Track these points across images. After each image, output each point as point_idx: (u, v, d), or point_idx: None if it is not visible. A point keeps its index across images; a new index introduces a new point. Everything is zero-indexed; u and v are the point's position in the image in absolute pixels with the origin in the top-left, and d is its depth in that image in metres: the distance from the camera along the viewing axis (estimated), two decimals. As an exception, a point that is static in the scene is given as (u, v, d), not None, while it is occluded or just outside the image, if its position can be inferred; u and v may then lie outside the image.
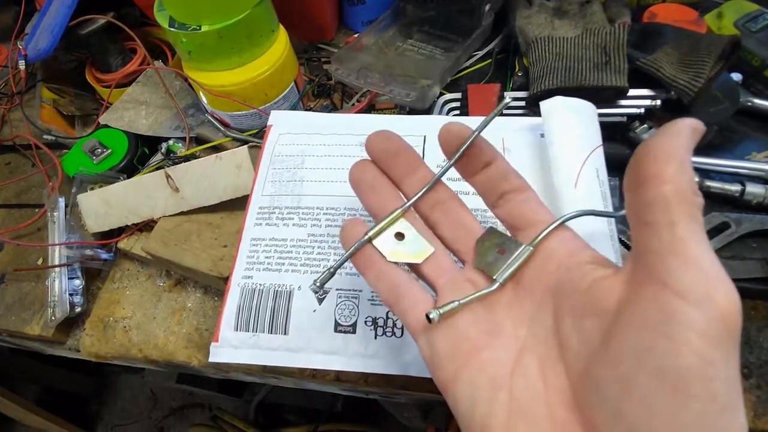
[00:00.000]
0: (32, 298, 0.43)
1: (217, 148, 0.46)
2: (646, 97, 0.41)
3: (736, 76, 0.44)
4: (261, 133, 0.46)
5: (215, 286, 0.40)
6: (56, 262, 0.41)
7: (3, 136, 0.54)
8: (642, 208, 0.16)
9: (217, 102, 0.44)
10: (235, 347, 0.32)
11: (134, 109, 0.49)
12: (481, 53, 0.52)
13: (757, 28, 0.46)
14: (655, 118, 0.41)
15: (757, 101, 0.43)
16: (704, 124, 0.17)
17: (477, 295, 0.21)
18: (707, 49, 0.39)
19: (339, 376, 0.35)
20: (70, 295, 0.41)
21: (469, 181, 0.24)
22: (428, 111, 0.46)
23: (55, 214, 0.43)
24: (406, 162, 0.24)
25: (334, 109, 0.50)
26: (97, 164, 0.46)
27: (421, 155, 0.37)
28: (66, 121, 0.53)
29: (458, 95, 0.47)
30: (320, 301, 0.32)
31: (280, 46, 0.44)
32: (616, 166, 0.35)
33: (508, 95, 0.45)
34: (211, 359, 0.32)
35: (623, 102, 0.41)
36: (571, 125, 0.35)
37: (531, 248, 0.21)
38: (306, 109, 0.50)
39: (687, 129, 0.16)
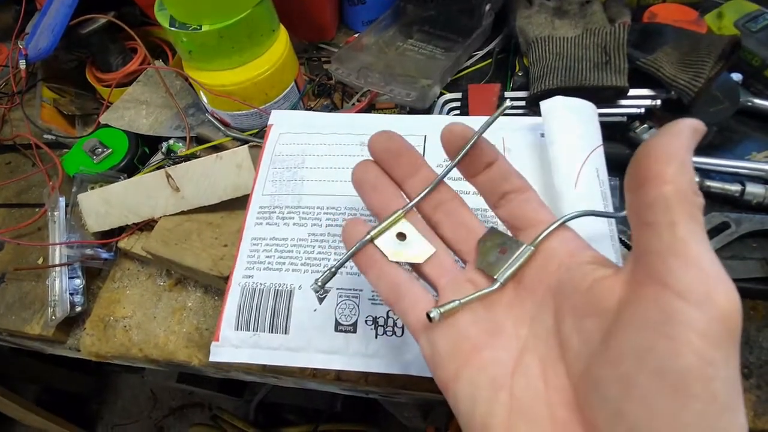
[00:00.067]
0: (32, 297, 0.43)
1: (218, 148, 0.46)
2: (646, 96, 0.41)
3: (736, 76, 0.44)
4: (261, 132, 0.46)
5: (215, 286, 0.40)
6: (56, 262, 0.41)
7: (3, 135, 0.54)
8: (643, 208, 0.16)
9: (218, 101, 0.45)
10: (235, 346, 0.32)
11: (135, 108, 0.49)
12: (481, 53, 0.52)
13: (757, 28, 0.46)
14: (655, 118, 0.41)
15: (757, 101, 0.43)
16: (705, 125, 0.17)
17: (478, 294, 0.21)
18: (707, 49, 0.39)
19: (339, 376, 0.35)
20: (71, 294, 0.41)
21: (470, 181, 0.24)
22: (428, 111, 0.46)
23: (55, 213, 0.43)
24: (408, 162, 0.24)
25: (334, 108, 0.50)
26: (97, 164, 0.46)
27: (422, 155, 0.37)
28: (66, 121, 0.53)
29: (458, 95, 0.47)
30: (321, 300, 0.32)
31: (280, 45, 0.44)
32: (616, 166, 0.35)
33: (509, 96, 0.45)
34: (212, 359, 0.32)
35: (623, 102, 0.41)
36: (572, 125, 0.35)
37: (532, 248, 0.21)
38: (306, 109, 0.50)
39: (688, 129, 0.16)
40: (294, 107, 0.48)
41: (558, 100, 0.36)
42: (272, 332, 0.32)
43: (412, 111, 0.47)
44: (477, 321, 0.20)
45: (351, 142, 0.39)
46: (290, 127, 0.40)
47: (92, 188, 0.43)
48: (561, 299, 0.19)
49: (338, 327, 0.31)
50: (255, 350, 0.32)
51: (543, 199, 0.23)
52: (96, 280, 0.44)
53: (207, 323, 0.39)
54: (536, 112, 0.37)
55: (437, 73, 0.47)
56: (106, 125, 0.48)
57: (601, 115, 0.37)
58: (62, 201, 0.44)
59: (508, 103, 0.24)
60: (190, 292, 0.41)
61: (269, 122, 0.41)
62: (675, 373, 0.14)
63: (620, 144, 0.41)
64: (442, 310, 0.20)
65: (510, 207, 0.23)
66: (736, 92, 0.42)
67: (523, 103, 0.44)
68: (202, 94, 0.45)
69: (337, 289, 0.32)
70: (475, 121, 0.26)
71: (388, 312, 0.32)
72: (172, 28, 0.40)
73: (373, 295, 0.32)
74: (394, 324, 0.31)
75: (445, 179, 0.24)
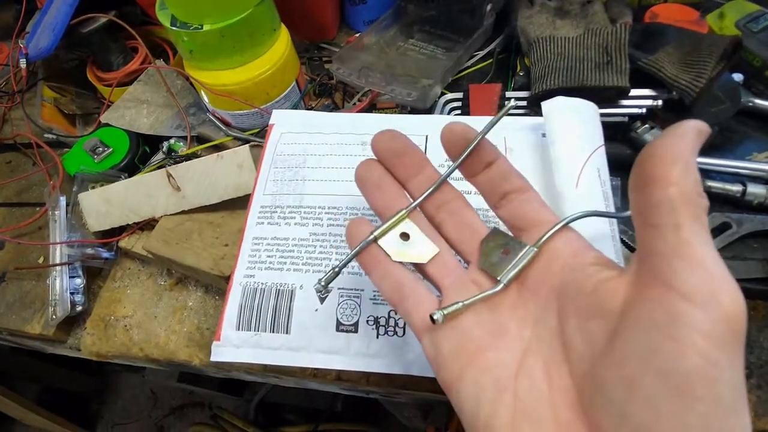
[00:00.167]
0: (33, 296, 0.43)
1: (219, 147, 0.45)
2: (647, 97, 0.41)
3: (738, 77, 0.44)
4: (262, 132, 0.46)
5: (216, 285, 0.40)
6: (57, 261, 0.41)
7: (4, 134, 0.54)
8: (647, 209, 0.16)
9: (219, 101, 0.44)
10: (236, 346, 0.32)
11: (135, 108, 0.49)
12: (482, 53, 0.52)
13: (759, 28, 0.46)
14: (656, 118, 0.41)
15: (759, 101, 0.43)
16: (709, 126, 0.17)
17: (481, 296, 0.21)
18: (709, 50, 0.39)
19: (340, 376, 0.35)
20: (71, 293, 0.41)
21: (470, 181, 0.24)
22: (429, 111, 0.46)
23: (56, 212, 0.43)
24: (411, 161, 0.24)
25: (335, 108, 0.50)
26: (98, 163, 0.46)
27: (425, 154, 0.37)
28: (67, 120, 0.53)
29: (459, 95, 0.47)
30: (322, 300, 0.32)
31: (281, 45, 0.44)
32: (617, 166, 0.35)
33: (511, 95, 0.45)
34: (213, 358, 0.32)
35: (625, 102, 0.41)
36: (573, 125, 0.35)
37: (535, 249, 0.21)
38: (307, 109, 0.50)
39: (692, 131, 0.16)
40: (295, 107, 0.48)
41: (559, 100, 0.36)
42: (273, 332, 0.32)
43: (413, 111, 0.47)
44: (481, 322, 0.20)
45: (352, 141, 0.38)
46: (291, 127, 0.40)
47: (93, 187, 0.43)
48: (565, 300, 0.19)
49: (339, 327, 0.31)
50: (256, 350, 0.32)
51: (544, 199, 0.23)
52: (97, 280, 0.44)
53: (208, 323, 0.39)
54: (538, 112, 0.37)
55: (438, 73, 0.47)
56: (107, 124, 0.48)
57: (602, 115, 0.37)
58: (63, 200, 0.44)
59: (513, 102, 0.24)
60: (191, 291, 0.41)
61: (270, 122, 0.41)
62: (680, 375, 0.14)
63: (621, 144, 0.41)
64: (445, 312, 0.20)
65: (511, 207, 0.23)
66: (737, 92, 0.42)
67: (524, 103, 0.44)
68: (203, 93, 0.45)
69: (339, 288, 0.32)
70: (476, 121, 0.26)
71: (389, 312, 0.32)
72: (174, 28, 0.40)
73: (374, 295, 0.32)
74: (396, 324, 0.31)
75: (448, 179, 0.24)
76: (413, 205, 0.24)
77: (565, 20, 0.48)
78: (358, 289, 0.32)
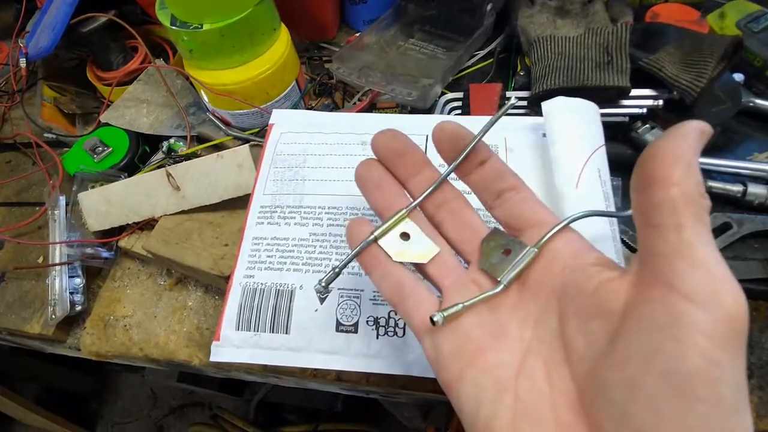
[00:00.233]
0: (33, 296, 0.43)
1: (219, 147, 0.45)
2: (648, 97, 0.41)
3: (738, 77, 0.44)
4: (262, 131, 0.46)
5: (216, 285, 0.40)
6: (57, 261, 0.41)
7: (4, 134, 0.54)
8: (649, 210, 0.16)
9: (219, 100, 0.44)
10: (236, 346, 0.32)
11: (135, 107, 0.49)
12: (482, 53, 0.52)
13: (760, 28, 0.46)
14: (657, 118, 0.41)
15: (759, 102, 0.43)
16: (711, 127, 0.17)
17: (481, 297, 0.21)
18: (709, 50, 0.39)
19: (340, 376, 0.35)
20: (71, 293, 0.41)
21: (464, 180, 0.24)
22: (430, 110, 0.46)
23: (55, 212, 0.43)
24: (412, 161, 0.24)
25: (335, 108, 0.50)
26: (97, 163, 0.46)
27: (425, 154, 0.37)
28: (67, 120, 0.53)
29: (460, 95, 0.46)
30: (322, 300, 0.32)
31: (281, 44, 0.44)
32: (618, 166, 0.35)
33: (511, 95, 0.45)
34: (213, 358, 0.32)
35: (625, 102, 0.41)
36: (573, 125, 0.35)
37: (536, 250, 0.21)
38: (307, 108, 0.50)
39: (694, 131, 0.16)
40: (295, 106, 0.48)
41: (559, 100, 0.36)
42: (273, 332, 0.32)
43: (414, 110, 0.47)
44: (481, 323, 0.20)
45: (352, 141, 0.38)
46: (291, 127, 0.40)
47: (93, 187, 0.43)
48: (565, 301, 0.19)
49: (339, 327, 0.31)
50: (256, 350, 0.32)
51: (544, 199, 0.23)
52: (96, 279, 0.44)
53: (207, 323, 0.39)
54: (538, 112, 0.37)
55: (438, 73, 0.47)
56: (107, 124, 0.48)
57: (603, 115, 0.37)
58: (62, 200, 0.44)
59: (513, 100, 0.24)
60: (191, 291, 0.41)
61: (270, 121, 0.41)
62: (681, 375, 0.14)
63: (622, 144, 0.41)
64: (445, 314, 0.20)
65: (507, 207, 0.23)
66: (738, 92, 0.42)
67: (525, 102, 0.44)
68: (203, 93, 0.45)
69: (339, 289, 0.32)
70: (476, 121, 0.26)
71: (389, 312, 0.31)
72: (173, 27, 0.40)
73: (374, 296, 0.32)
74: (396, 324, 0.31)
75: (448, 179, 0.24)
76: (413, 204, 0.24)
77: (565, 20, 0.48)
78: (358, 290, 0.32)
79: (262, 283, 0.33)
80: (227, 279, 0.35)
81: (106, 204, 0.42)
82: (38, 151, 0.50)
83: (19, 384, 1.01)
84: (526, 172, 0.35)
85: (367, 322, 0.31)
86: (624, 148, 0.40)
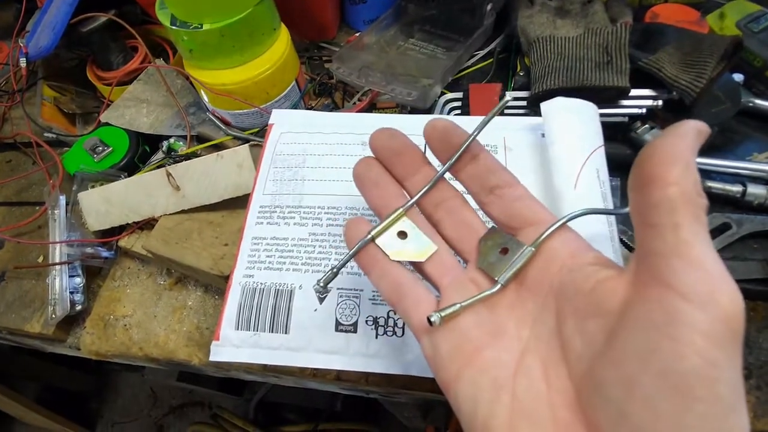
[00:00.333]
0: (33, 296, 0.43)
1: (218, 147, 0.45)
2: (647, 97, 0.41)
3: (738, 77, 0.44)
4: (262, 131, 0.46)
5: (216, 285, 0.40)
6: (57, 260, 0.41)
7: (4, 133, 0.54)
8: (646, 209, 0.16)
9: (219, 100, 0.44)
10: (236, 346, 0.32)
11: (135, 107, 0.49)
12: (482, 53, 0.52)
13: (759, 28, 0.46)
14: (656, 118, 0.41)
15: (759, 102, 0.43)
16: (709, 126, 0.17)
17: (478, 297, 0.21)
18: (709, 50, 0.39)
19: (340, 375, 0.35)
20: (71, 293, 0.41)
21: (457, 177, 0.24)
22: (430, 110, 0.46)
23: (55, 212, 0.43)
24: (410, 160, 0.24)
25: (335, 108, 0.50)
26: (97, 162, 0.46)
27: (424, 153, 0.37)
28: (67, 119, 0.53)
29: (459, 95, 0.47)
30: (321, 300, 0.32)
31: (281, 44, 0.44)
32: (617, 167, 0.35)
33: (510, 94, 0.45)
34: (212, 358, 0.32)
35: (625, 102, 0.41)
36: (572, 126, 0.35)
37: (533, 249, 0.21)
38: (307, 108, 0.50)
39: (692, 131, 0.16)
40: (295, 106, 0.48)
41: (558, 101, 0.36)
42: (272, 332, 0.32)
43: (413, 110, 0.47)
44: (479, 322, 0.20)
45: (352, 141, 0.38)
46: (291, 127, 0.40)
47: (93, 187, 0.43)
48: (563, 301, 0.19)
49: (339, 327, 0.31)
50: (255, 350, 0.32)
51: (543, 199, 0.23)
52: (96, 279, 0.44)
53: (207, 322, 0.39)
54: (537, 112, 0.37)
55: (438, 73, 0.47)
56: (107, 124, 0.48)
57: (602, 115, 0.37)
58: (63, 199, 0.44)
59: (508, 97, 0.24)
60: (191, 291, 0.41)
61: (270, 121, 0.41)
62: (678, 375, 0.14)
63: (621, 144, 0.41)
64: (442, 314, 0.20)
65: (502, 205, 0.22)
66: (737, 93, 0.42)
67: (524, 103, 0.44)
68: (202, 92, 0.45)
69: (338, 289, 0.32)
70: (475, 121, 0.26)
71: (388, 312, 0.31)
72: (173, 27, 0.40)
73: (373, 295, 0.32)
74: (395, 324, 0.31)
75: (447, 179, 0.24)
76: (410, 203, 0.24)
77: (565, 20, 0.48)
78: (357, 290, 0.32)
79: (261, 283, 0.33)
80: (227, 279, 0.35)
81: (106, 204, 0.42)
82: (38, 151, 0.50)
83: (19, 383, 1.01)
84: (525, 172, 0.35)
85: (366, 321, 0.31)
86: (623, 148, 0.40)
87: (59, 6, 0.46)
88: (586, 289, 0.18)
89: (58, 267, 0.41)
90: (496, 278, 0.21)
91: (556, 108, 0.35)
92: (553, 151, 0.34)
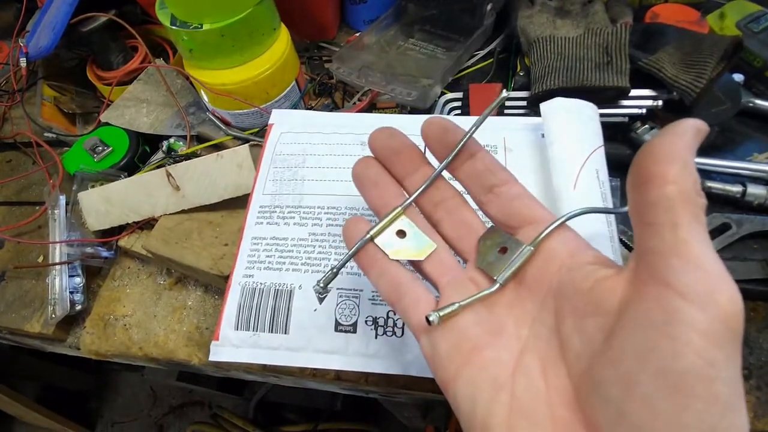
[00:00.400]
0: (33, 295, 0.43)
1: (218, 147, 0.45)
2: (647, 97, 0.41)
3: (738, 77, 0.44)
4: (262, 131, 0.46)
5: (216, 285, 0.40)
6: (57, 260, 0.41)
7: (4, 133, 0.54)
8: (645, 208, 0.16)
9: (219, 100, 0.44)
10: (235, 346, 0.32)
11: (135, 107, 0.49)
12: (482, 53, 0.52)
13: (760, 28, 0.46)
14: (656, 118, 0.41)
15: (759, 102, 0.43)
16: (707, 125, 0.17)
17: (477, 296, 0.21)
18: (709, 50, 0.39)
19: (339, 375, 0.35)
20: (71, 292, 0.41)
21: (455, 175, 0.24)
22: (430, 110, 0.46)
23: (55, 211, 0.43)
24: (409, 159, 0.24)
25: (335, 108, 0.50)
26: (97, 162, 0.46)
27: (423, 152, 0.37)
28: (67, 119, 0.53)
29: (459, 95, 0.47)
30: (321, 300, 0.32)
31: (281, 44, 0.44)
32: (617, 167, 0.35)
33: (506, 92, 0.45)
34: (212, 358, 0.32)
35: (625, 102, 0.41)
36: (571, 126, 0.35)
37: (531, 248, 0.21)
38: (307, 108, 0.50)
39: (691, 129, 0.16)
40: (295, 106, 0.48)
41: (557, 101, 0.36)
42: (272, 332, 0.32)
43: (413, 110, 0.47)
44: (478, 321, 0.20)
45: (352, 141, 0.38)
46: (291, 127, 0.40)
47: (93, 186, 0.43)
48: (562, 300, 0.19)
49: (338, 327, 0.31)
50: (255, 350, 0.32)
51: (542, 199, 0.23)
52: (96, 279, 0.44)
53: (207, 322, 0.39)
54: (537, 112, 0.37)
55: (438, 73, 0.47)
56: (107, 123, 0.48)
57: (602, 115, 0.37)
58: (62, 199, 0.44)
59: (504, 93, 0.24)
60: (191, 291, 0.41)
61: (270, 121, 0.41)
62: (677, 374, 0.14)
63: (621, 144, 0.41)
64: (441, 313, 0.20)
65: (500, 203, 0.22)
66: (737, 93, 0.42)
67: (524, 103, 0.44)
68: (202, 92, 0.45)
69: (338, 289, 0.32)
70: (473, 121, 0.26)
71: (388, 312, 0.31)
72: (173, 27, 0.40)
73: (373, 295, 0.32)
74: (395, 324, 0.31)
75: (446, 178, 0.24)
76: (408, 201, 0.24)
77: (565, 20, 0.48)
78: (356, 290, 0.32)
79: (261, 283, 0.33)
80: (226, 278, 0.35)
81: (106, 203, 0.42)
82: (38, 151, 0.50)
83: (19, 383, 1.01)
84: (524, 172, 0.35)
85: (365, 322, 0.31)
86: (623, 148, 0.40)
87: (59, 6, 0.46)
88: (585, 288, 0.18)
89: (58, 267, 0.41)
90: (495, 277, 0.21)
91: (556, 108, 0.35)
92: (552, 152, 0.34)
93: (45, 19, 0.49)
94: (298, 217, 0.35)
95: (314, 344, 0.31)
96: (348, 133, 0.39)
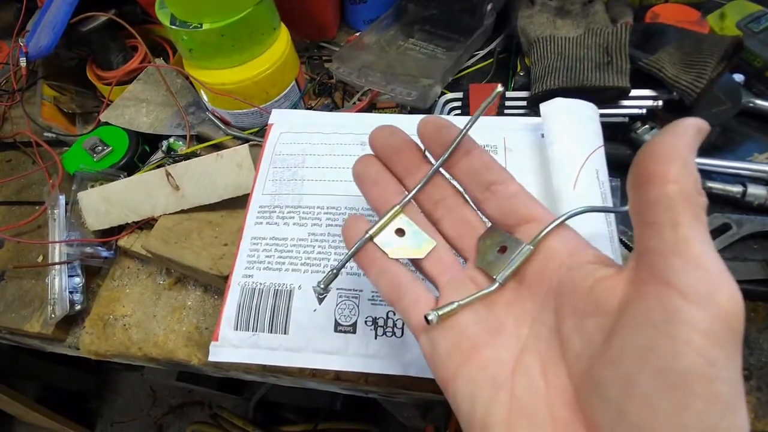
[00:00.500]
0: (32, 295, 0.43)
1: (218, 147, 0.45)
2: (648, 97, 0.41)
3: (738, 77, 0.44)
4: (262, 131, 0.46)
5: (215, 285, 0.40)
6: (56, 260, 0.41)
7: (4, 133, 0.54)
8: (645, 207, 0.16)
9: (218, 100, 0.44)
10: (235, 346, 0.32)
11: (135, 106, 0.49)
12: (482, 53, 0.52)
13: (760, 28, 0.46)
14: (657, 118, 0.41)
15: (759, 102, 0.43)
16: (708, 124, 0.17)
17: (476, 296, 0.20)
18: (710, 50, 0.39)
19: (339, 376, 0.35)
20: (70, 292, 0.41)
21: (451, 173, 0.24)
22: (429, 110, 0.46)
23: (55, 211, 0.43)
24: (409, 157, 0.24)
25: (335, 107, 0.50)
26: (97, 162, 0.46)
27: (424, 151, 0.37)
28: (67, 119, 0.53)
29: (459, 95, 0.46)
30: (320, 300, 0.32)
31: (281, 44, 0.44)
32: (617, 167, 0.35)
33: (511, 95, 0.45)
34: (211, 358, 0.32)
35: (625, 102, 0.41)
36: (571, 127, 0.35)
37: (531, 247, 0.21)
38: (307, 108, 0.50)
39: (691, 128, 0.16)
40: (295, 106, 0.48)
41: (557, 101, 0.36)
42: (272, 332, 0.32)
43: (413, 110, 0.47)
44: (477, 320, 0.20)
45: (352, 141, 0.38)
46: (291, 127, 0.40)
47: (92, 186, 0.43)
48: (562, 299, 0.19)
49: (338, 327, 0.31)
50: (254, 350, 0.32)
51: (542, 199, 0.23)
52: (96, 279, 0.44)
53: (206, 322, 0.39)
54: (537, 113, 0.37)
55: (438, 73, 0.47)
56: (107, 123, 0.48)
57: (602, 115, 0.37)
58: (62, 199, 0.44)
59: (500, 88, 0.24)
60: (190, 291, 0.41)
61: (270, 121, 0.41)
62: (677, 373, 0.14)
63: (622, 144, 0.41)
64: (440, 312, 0.20)
65: (498, 202, 0.22)
66: (738, 93, 0.42)
67: (524, 103, 0.44)
68: (202, 92, 0.45)
69: (337, 289, 0.32)
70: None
71: (387, 312, 0.31)
72: (173, 27, 0.40)
73: (372, 296, 0.32)
74: (394, 325, 0.31)
75: (446, 178, 0.24)
76: (406, 199, 0.24)
77: (565, 20, 0.48)
78: (356, 290, 0.32)
79: (260, 283, 0.33)
80: (226, 279, 0.35)
81: (106, 203, 0.42)
82: (38, 150, 0.50)
83: (19, 383, 1.01)
84: (524, 172, 0.35)
85: (365, 322, 0.31)
86: (623, 148, 0.40)
87: (59, 5, 0.46)
88: (585, 288, 0.18)
89: (57, 267, 0.41)
90: (495, 277, 0.21)
91: (556, 108, 0.35)
92: (552, 152, 0.34)
93: (45, 18, 0.49)
94: (298, 217, 0.35)
95: (314, 344, 0.31)
96: (348, 133, 0.39)
